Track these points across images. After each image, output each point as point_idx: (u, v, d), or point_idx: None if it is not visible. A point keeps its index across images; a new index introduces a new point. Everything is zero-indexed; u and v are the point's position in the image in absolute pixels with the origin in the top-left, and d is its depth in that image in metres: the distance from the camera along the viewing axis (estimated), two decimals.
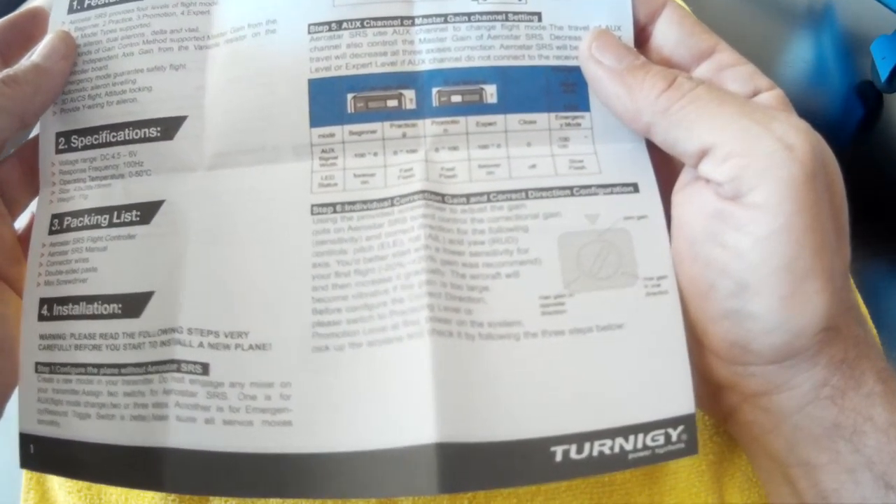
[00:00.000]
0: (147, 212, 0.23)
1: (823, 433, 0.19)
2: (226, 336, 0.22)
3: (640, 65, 0.20)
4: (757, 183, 0.18)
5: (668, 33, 0.22)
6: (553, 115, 0.23)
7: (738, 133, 0.18)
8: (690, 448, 0.20)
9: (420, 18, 0.24)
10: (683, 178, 0.22)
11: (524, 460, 0.20)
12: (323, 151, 0.23)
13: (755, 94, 0.21)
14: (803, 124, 0.19)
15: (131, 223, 0.23)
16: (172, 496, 0.33)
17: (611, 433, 0.20)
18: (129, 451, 0.22)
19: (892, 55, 0.51)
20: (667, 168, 0.23)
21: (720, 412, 0.23)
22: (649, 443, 0.20)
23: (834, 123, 0.53)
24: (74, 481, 0.33)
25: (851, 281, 0.21)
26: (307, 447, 0.21)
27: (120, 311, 0.22)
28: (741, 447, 0.24)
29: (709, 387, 0.22)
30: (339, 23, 0.24)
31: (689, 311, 0.21)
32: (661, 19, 0.22)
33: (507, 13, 0.24)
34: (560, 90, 0.23)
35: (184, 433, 0.21)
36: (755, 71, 0.21)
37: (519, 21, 0.24)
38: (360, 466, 0.20)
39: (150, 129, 0.24)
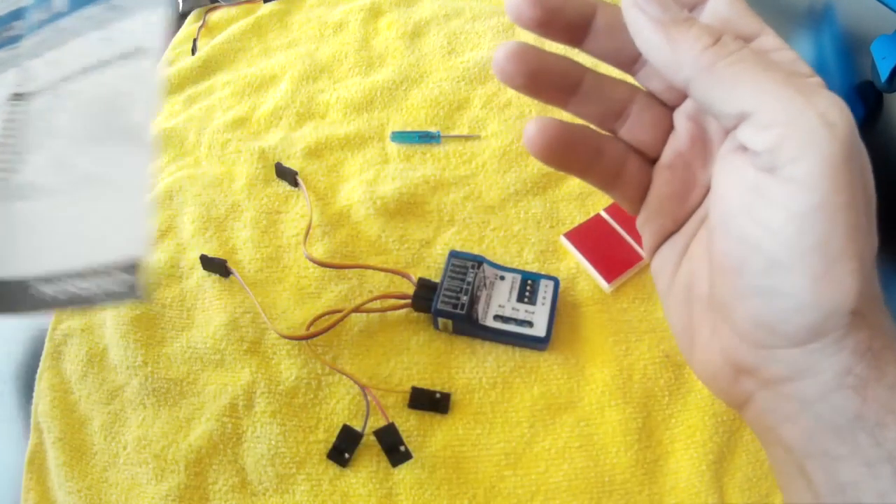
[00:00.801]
0: None
1: (845, 424, 0.19)
2: None
3: (684, 17, 0.20)
4: (796, 156, 0.18)
5: (718, 13, 0.21)
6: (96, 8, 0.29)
7: (781, 102, 0.18)
8: (133, 293, 0.23)
9: None
10: (725, 147, 0.21)
11: (13, 295, 0.25)
12: None
13: None
14: (844, 105, 0.18)
15: None
16: (172, 496, 0.33)
17: (80, 273, 0.24)
18: None
19: (892, 55, 0.51)
20: (703, 140, 0.23)
21: (738, 398, 0.23)
22: (107, 286, 0.24)
23: None
24: (75, 482, 0.34)
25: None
26: None
27: None
28: (757, 437, 0.24)
29: (729, 370, 0.22)
30: None
31: (719, 287, 0.21)
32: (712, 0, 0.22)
33: None
34: None
35: None
36: (797, 58, 0.21)
37: None
38: None
39: None
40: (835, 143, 0.17)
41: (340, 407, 0.36)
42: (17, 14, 0.30)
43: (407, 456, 0.33)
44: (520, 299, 0.37)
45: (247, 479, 0.34)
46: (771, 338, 0.20)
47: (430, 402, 0.35)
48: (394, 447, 0.33)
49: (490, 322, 0.37)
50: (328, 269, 0.40)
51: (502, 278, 0.38)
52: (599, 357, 0.37)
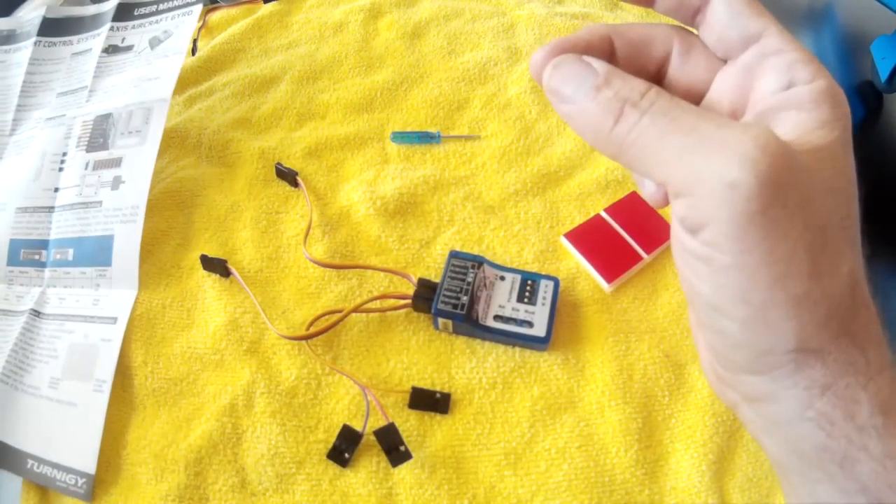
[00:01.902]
0: None
1: (813, 453, 0.19)
2: None
3: (593, 92, 0.19)
4: (704, 223, 0.18)
5: (719, 15, 0.21)
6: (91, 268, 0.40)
7: (681, 172, 0.18)
8: (86, 496, 0.33)
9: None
10: None
11: (11, 460, 0.34)
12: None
13: (789, 86, 0.20)
14: (755, 150, 0.17)
15: None
16: (172, 496, 0.33)
17: (50, 463, 0.34)
18: None
19: (892, 55, 0.51)
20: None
21: (728, 404, 0.23)
22: (59, 477, 0.33)
23: None
24: None
25: (868, 308, 0.20)
26: None
27: None
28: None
29: (715, 379, 0.23)
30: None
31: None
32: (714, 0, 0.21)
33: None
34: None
35: None
36: (797, 60, 0.20)
37: None
38: None
39: None
40: (738, 204, 0.17)
41: (340, 407, 0.36)
42: (42, 243, 0.42)
43: (407, 456, 0.33)
44: (520, 299, 0.37)
45: (247, 479, 0.34)
46: (730, 364, 0.21)
47: (430, 402, 0.35)
48: (394, 447, 0.33)
49: (490, 322, 0.37)
50: (328, 269, 0.40)
51: (502, 278, 0.38)
52: (599, 357, 0.37)
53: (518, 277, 0.38)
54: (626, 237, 0.41)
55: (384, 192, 0.44)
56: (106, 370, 0.36)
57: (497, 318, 0.37)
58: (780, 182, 0.17)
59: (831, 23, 0.60)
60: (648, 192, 0.23)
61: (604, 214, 0.42)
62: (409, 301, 0.37)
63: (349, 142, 0.48)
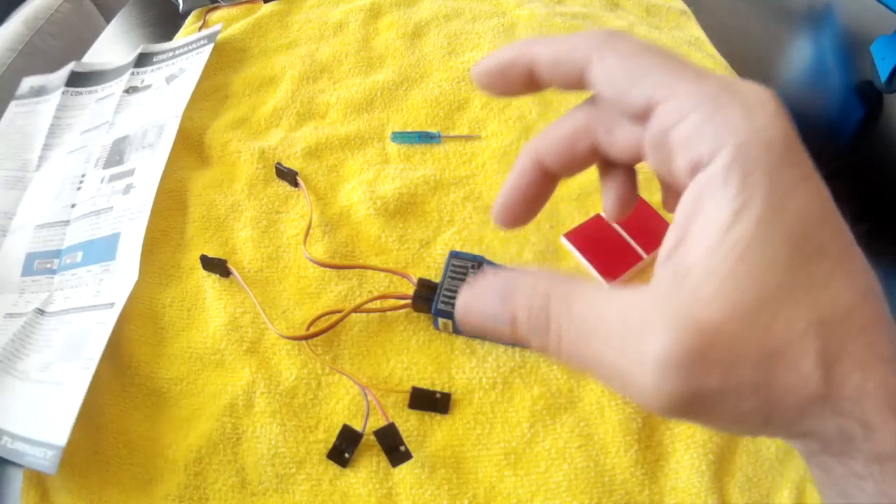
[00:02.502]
0: None
1: (820, 483, 0.20)
2: None
3: (511, 329, 0.19)
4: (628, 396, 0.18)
5: (601, 88, 0.18)
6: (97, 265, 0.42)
7: (600, 372, 0.18)
8: (50, 468, 0.32)
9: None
10: None
11: None
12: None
13: (695, 170, 0.17)
14: (656, 385, 0.16)
15: None
16: (172, 496, 0.33)
17: (23, 439, 0.34)
18: None
19: (892, 55, 0.51)
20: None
21: None
22: (29, 451, 0.33)
23: (834, 123, 0.53)
24: (75, 482, 0.34)
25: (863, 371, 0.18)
26: None
27: None
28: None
29: None
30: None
31: None
32: (590, 72, 0.18)
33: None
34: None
35: None
36: (698, 124, 0.16)
37: None
38: None
39: None
40: (651, 403, 0.17)
41: (340, 407, 0.36)
42: (55, 253, 0.44)
43: (407, 456, 0.33)
44: None
45: (247, 479, 0.34)
46: None
47: (430, 402, 0.35)
48: (394, 447, 0.33)
49: None
50: (328, 269, 0.40)
51: None
52: None
53: None
54: (626, 237, 0.41)
55: (384, 192, 0.44)
56: (95, 349, 0.36)
57: None
58: (697, 391, 0.16)
59: (831, 23, 0.60)
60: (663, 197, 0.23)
61: (604, 214, 0.42)
62: (409, 301, 0.37)
63: (349, 142, 0.48)
